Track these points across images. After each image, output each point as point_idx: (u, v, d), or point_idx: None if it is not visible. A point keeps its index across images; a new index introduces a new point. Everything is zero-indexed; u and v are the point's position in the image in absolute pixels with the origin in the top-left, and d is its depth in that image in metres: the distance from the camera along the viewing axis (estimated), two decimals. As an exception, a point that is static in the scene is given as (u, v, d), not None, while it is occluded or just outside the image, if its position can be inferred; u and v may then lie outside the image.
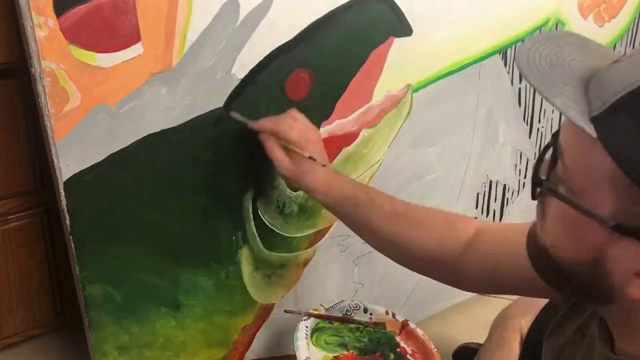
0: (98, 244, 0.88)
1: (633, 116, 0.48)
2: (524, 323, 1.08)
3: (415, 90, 1.15)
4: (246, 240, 1.03)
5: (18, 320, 1.00)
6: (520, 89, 1.33)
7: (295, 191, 1.06)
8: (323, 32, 0.98)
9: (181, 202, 0.94)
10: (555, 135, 0.57)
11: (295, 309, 1.06)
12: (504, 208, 1.44)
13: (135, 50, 0.81)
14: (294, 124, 0.92)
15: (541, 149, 0.58)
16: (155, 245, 0.94)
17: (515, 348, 1.06)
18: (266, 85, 0.95)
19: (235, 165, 0.97)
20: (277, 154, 0.91)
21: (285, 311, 1.08)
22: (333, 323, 1.08)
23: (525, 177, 1.45)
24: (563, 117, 0.56)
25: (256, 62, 0.93)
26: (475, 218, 0.89)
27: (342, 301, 1.10)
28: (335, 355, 1.02)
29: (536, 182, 0.58)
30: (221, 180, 0.97)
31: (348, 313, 1.08)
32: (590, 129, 0.49)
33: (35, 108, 0.80)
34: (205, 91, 0.90)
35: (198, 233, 0.98)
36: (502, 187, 1.41)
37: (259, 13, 0.91)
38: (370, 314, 1.10)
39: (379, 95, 1.10)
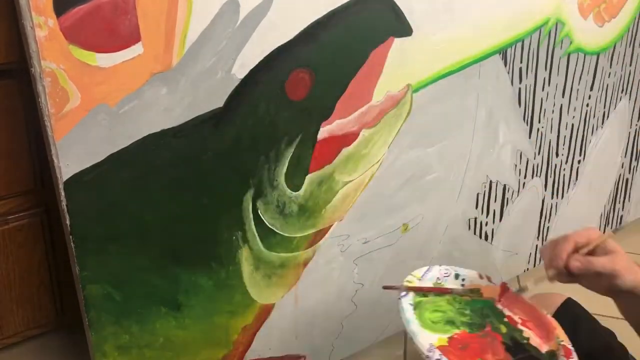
0: (98, 244, 0.88)
1: None
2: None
3: (415, 90, 1.15)
4: (246, 240, 1.03)
5: (18, 320, 1.00)
6: (520, 89, 1.33)
7: (296, 191, 1.06)
8: (323, 32, 0.98)
9: (181, 202, 0.94)
10: None
11: (393, 284, 0.94)
12: (504, 208, 1.44)
13: (135, 50, 0.81)
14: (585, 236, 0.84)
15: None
16: (155, 245, 0.94)
17: None
18: (266, 85, 0.95)
19: (235, 165, 0.97)
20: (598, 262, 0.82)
21: (384, 287, 0.97)
22: (427, 295, 0.96)
23: (525, 177, 1.45)
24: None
25: (256, 62, 0.93)
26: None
27: (429, 268, 0.98)
28: (449, 336, 0.89)
29: None
30: (221, 180, 0.97)
31: (439, 281, 0.97)
32: None
33: (35, 108, 0.80)
34: (205, 91, 0.90)
35: (198, 233, 0.98)
36: (502, 187, 1.41)
37: (259, 13, 0.91)
38: (463, 279, 0.98)
39: (379, 95, 1.10)
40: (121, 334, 0.96)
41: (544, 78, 1.37)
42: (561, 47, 1.36)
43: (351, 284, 1.23)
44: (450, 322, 0.91)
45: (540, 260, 1.55)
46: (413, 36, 1.09)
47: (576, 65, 1.43)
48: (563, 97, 1.44)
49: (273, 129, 0.99)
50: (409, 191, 1.23)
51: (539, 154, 1.45)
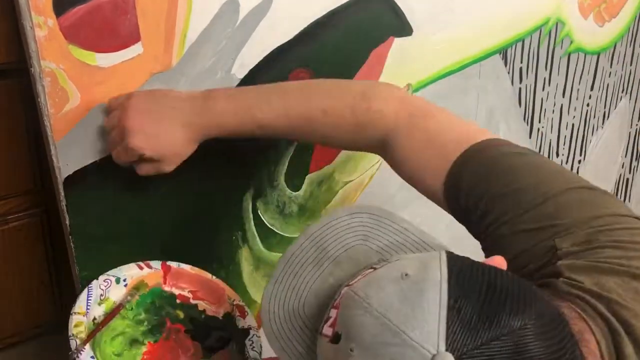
0: (98, 244, 0.88)
1: None
2: None
3: (415, 90, 1.15)
4: (246, 240, 1.03)
5: (18, 320, 1.00)
6: (520, 89, 1.33)
7: (296, 191, 1.06)
8: (323, 32, 0.98)
9: (181, 202, 0.94)
10: None
11: (74, 354, 0.76)
12: (504, 208, 1.43)
13: (135, 50, 0.81)
14: (116, 149, 0.80)
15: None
16: (155, 245, 0.94)
17: None
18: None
19: (235, 165, 0.97)
20: (147, 169, 0.82)
21: None
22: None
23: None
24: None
25: (256, 62, 0.93)
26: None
27: (89, 289, 0.83)
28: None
29: None
30: (221, 180, 0.97)
31: (103, 297, 0.83)
32: None
33: (35, 108, 0.80)
34: (205, 91, 0.89)
35: (198, 233, 0.98)
36: (502, 187, 1.41)
37: (259, 13, 0.91)
38: (124, 280, 0.86)
39: (379, 95, 1.10)
40: (121, 334, 0.96)
41: (544, 78, 1.37)
42: (561, 46, 1.36)
43: (351, 284, 1.23)
44: (134, 342, 0.83)
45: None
46: (413, 36, 1.09)
47: (576, 65, 1.43)
48: (563, 97, 1.44)
49: (273, 129, 0.99)
50: (409, 191, 1.22)
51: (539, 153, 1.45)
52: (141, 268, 0.87)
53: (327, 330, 0.56)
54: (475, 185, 0.72)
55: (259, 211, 1.03)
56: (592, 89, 1.50)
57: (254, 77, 0.93)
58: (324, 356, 0.57)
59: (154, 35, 0.82)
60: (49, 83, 0.76)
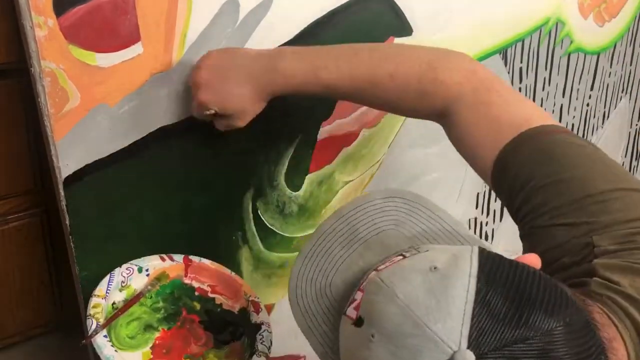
0: (98, 244, 0.88)
1: None
2: None
3: (415, 90, 1.15)
4: (246, 240, 1.03)
5: (18, 320, 1.00)
6: (520, 88, 1.33)
7: (296, 191, 1.06)
8: (323, 32, 0.98)
9: (181, 202, 0.94)
10: None
11: (88, 338, 0.82)
12: (504, 208, 1.43)
13: (135, 50, 0.81)
14: (192, 103, 0.84)
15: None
16: (155, 245, 0.94)
17: None
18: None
19: (235, 165, 0.97)
20: (219, 126, 0.86)
21: (82, 344, 0.85)
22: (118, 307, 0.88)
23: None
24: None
25: (256, 62, 0.93)
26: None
27: (112, 275, 0.87)
28: (151, 345, 0.85)
29: None
30: (221, 180, 0.97)
31: (124, 284, 0.87)
32: None
33: (35, 108, 0.80)
34: (205, 91, 0.89)
35: (198, 233, 0.98)
36: (502, 187, 1.41)
37: (259, 13, 0.91)
38: (147, 270, 0.89)
39: (379, 95, 1.10)
40: (121, 334, 0.96)
41: (544, 78, 1.37)
42: (561, 46, 1.36)
43: (351, 284, 1.23)
44: (148, 327, 0.87)
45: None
46: (413, 36, 1.09)
47: (576, 65, 1.43)
48: (563, 96, 1.44)
49: (273, 129, 0.99)
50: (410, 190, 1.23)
51: (539, 153, 1.45)
52: (163, 260, 0.91)
53: (352, 312, 0.55)
54: (522, 171, 0.71)
55: (259, 211, 1.03)
56: (592, 88, 1.50)
57: (254, 77, 0.93)
58: (345, 337, 0.57)
59: (154, 35, 0.82)
60: (49, 83, 0.76)
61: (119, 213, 0.89)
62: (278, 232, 1.07)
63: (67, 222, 0.85)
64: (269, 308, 1.12)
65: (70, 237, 0.86)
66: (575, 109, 1.48)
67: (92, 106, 0.81)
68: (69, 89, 0.78)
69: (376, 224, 0.64)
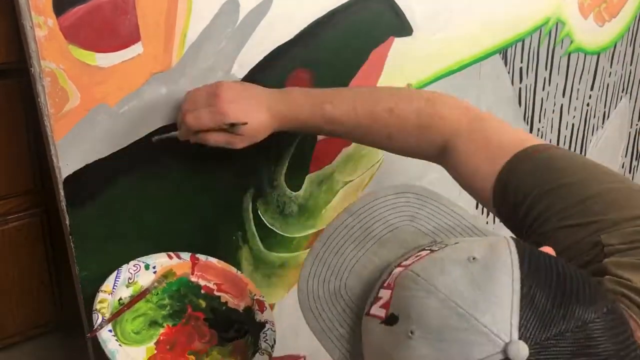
0: (98, 244, 0.88)
1: None
2: None
3: (415, 90, 1.15)
4: (246, 240, 1.03)
5: (18, 320, 1.00)
6: (520, 88, 1.33)
7: (296, 191, 1.06)
8: (323, 32, 0.98)
9: (181, 202, 0.94)
10: None
11: (93, 332, 0.82)
12: (504, 208, 1.43)
13: (135, 50, 0.81)
14: (197, 115, 0.83)
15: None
16: (155, 245, 0.94)
17: None
18: (266, 86, 0.95)
19: (235, 165, 0.97)
20: (220, 139, 0.84)
21: (87, 337, 0.89)
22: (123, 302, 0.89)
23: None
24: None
25: (256, 62, 0.93)
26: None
27: (119, 271, 0.88)
28: (156, 341, 0.86)
29: None
30: (221, 180, 0.97)
31: (131, 280, 0.88)
32: None
33: (35, 108, 0.80)
34: (205, 91, 0.89)
35: (198, 233, 0.98)
36: (502, 187, 1.40)
37: (259, 13, 0.91)
38: (154, 267, 0.91)
39: (379, 95, 1.10)
40: (121, 334, 0.96)
41: (545, 78, 1.37)
42: (561, 46, 1.36)
43: (351, 284, 1.23)
44: (154, 323, 0.88)
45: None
46: (413, 36, 1.09)
47: (576, 65, 1.43)
48: (563, 96, 1.44)
49: (273, 128, 0.99)
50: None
51: (539, 153, 1.45)
52: (170, 258, 0.92)
53: (378, 311, 0.54)
54: (523, 183, 0.72)
55: (259, 211, 1.03)
56: (592, 88, 1.50)
57: (254, 77, 0.93)
58: (375, 337, 0.55)
59: (154, 35, 0.82)
60: (49, 83, 0.76)
61: (119, 213, 0.89)
62: (278, 232, 1.07)
63: (67, 222, 0.85)
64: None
65: (70, 237, 0.86)
66: (575, 109, 1.48)
67: (92, 106, 0.81)
68: (69, 89, 0.78)
69: (389, 220, 0.63)
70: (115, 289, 0.86)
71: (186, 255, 0.93)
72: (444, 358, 0.47)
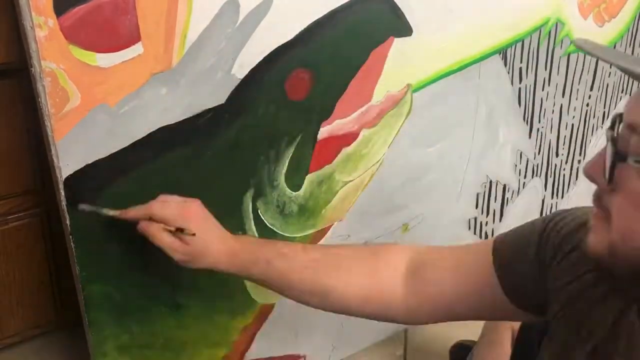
0: (98, 244, 0.88)
1: None
2: (515, 322, 1.08)
3: (415, 90, 1.15)
4: (246, 240, 1.03)
5: (18, 320, 1.00)
6: (520, 88, 1.33)
7: (296, 191, 1.06)
8: (323, 32, 0.98)
9: (181, 202, 0.94)
10: (616, 119, 0.62)
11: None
12: (504, 208, 1.44)
13: (135, 50, 0.81)
14: (166, 203, 0.83)
15: (610, 129, 0.63)
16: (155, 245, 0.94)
17: (507, 346, 1.06)
18: (266, 85, 0.95)
19: (235, 165, 0.97)
20: (165, 238, 0.82)
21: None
22: None
23: (525, 177, 1.45)
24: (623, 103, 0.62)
25: (256, 62, 0.93)
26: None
27: None
28: None
29: (619, 158, 0.58)
30: (221, 180, 0.97)
31: None
32: None
33: (35, 108, 0.80)
34: (205, 91, 0.90)
35: (198, 233, 0.97)
36: (502, 187, 1.41)
37: (259, 13, 0.91)
38: None
39: (379, 95, 1.10)
40: (121, 334, 0.96)
41: (544, 78, 1.37)
42: (561, 46, 1.36)
43: (351, 284, 1.23)
44: None
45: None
46: (413, 36, 1.09)
47: (576, 65, 1.43)
48: (563, 96, 1.44)
49: (273, 129, 0.99)
50: (409, 191, 1.23)
51: (539, 153, 1.45)
52: None
53: None
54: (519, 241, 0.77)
55: (259, 211, 1.03)
56: (591, 89, 1.50)
57: (254, 77, 0.93)
58: None
59: (154, 35, 0.82)
60: (49, 83, 0.76)
61: (119, 213, 0.89)
62: (278, 232, 1.07)
63: (67, 222, 0.85)
64: (269, 308, 1.12)
65: (70, 237, 0.86)
66: (575, 109, 1.48)
67: (93, 106, 0.81)
68: (69, 89, 0.78)
69: None
70: None
71: None
72: None
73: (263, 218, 1.04)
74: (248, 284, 1.07)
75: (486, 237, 1.43)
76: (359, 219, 1.18)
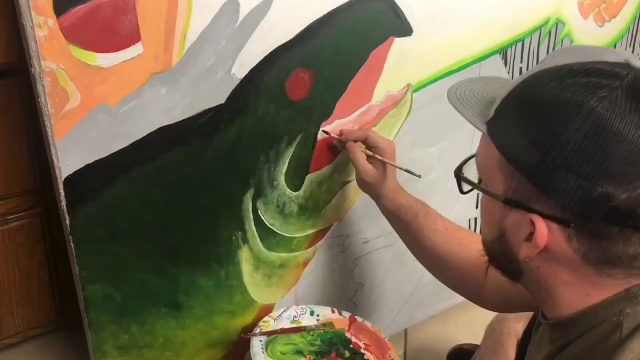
0: (98, 244, 0.88)
1: (506, 116, 0.64)
2: (520, 327, 1.08)
3: (415, 90, 1.15)
4: (246, 240, 1.03)
5: (18, 320, 1.00)
6: (520, 89, 1.33)
7: (296, 191, 1.06)
8: (323, 32, 0.98)
9: (181, 202, 0.94)
10: None
11: (247, 334, 1.05)
12: (504, 208, 1.43)
13: (135, 50, 0.81)
14: (377, 134, 1.03)
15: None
16: (155, 245, 0.94)
17: (510, 352, 1.06)
18: (266, 85, 0.95)
19: (235, 165, 0.97)
20: (362, 161, 1.02)
21: (241, 336, 1.08)
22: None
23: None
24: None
25: (256, 62, 0.93)
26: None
27: (287, 308, 1.10)
28: None
29: (456, 175, 0.76)
30: (221, 180, 0.97)
31: (296, 319, 1.10)
32: (485, 130, 0.67)
33: (35, 108, 0.80)
34: (205, 91, 0.90)
35: (198, 233, 0.98)
36: (502, 187, 1.40)
37: (259, 13, 0.91)
38: (317, 315, 1.12)
39: (379, 95, 1.10)
40: (121, 334, 0.96)
41: (544, 78, 1.37)
42: (561, 46, 1.36)
43: (351, 284, 1.23)
44: (299, 352, 1.04)
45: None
46: (413, 36, 1.09)
47: (576, 65, 1.43)
48: (563, 97, 1.44)
49: (273, 128, 0.99)
50: (409, 191, 1.23)
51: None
52: (333, 312, 1.14)
53: None
54: None
55: (259, 211, 1.03)
56: (592, 89, 1.50)
57: (254, 77, 0.93)
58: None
59: (154, 35, 0.82)
60: (49, 83, 0.76)
61: (119, 213, 0.89)
62: (278, 232, 1.07)
63: (67, 222, 0.85)
64: (269, 308, 1.12)
65: (70, 237, 0.86)
66: (575, 109, 1.48)
67: (92, 106, 0.81)
68: (69, 89, 0.78)
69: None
70: (279, 318, 1.08)
71: (346, 314, 1.14)
72: (582, 58, 0.61)
73: (263, 218, 1.04)
74: (248, 284, 1.07)
75: (486, 237, 1.42)
76: (359, 219, 1.18)
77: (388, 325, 1.32)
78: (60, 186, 0.82)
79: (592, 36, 1.42)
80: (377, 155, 1.02)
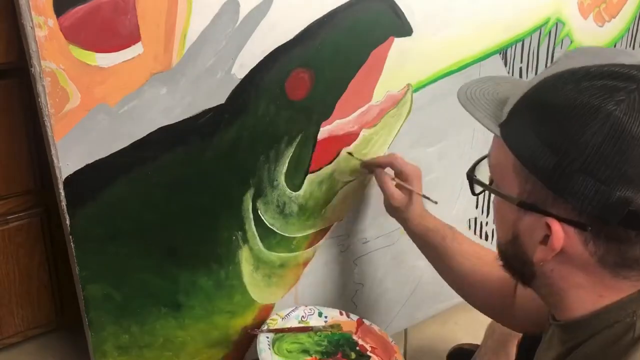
0: (98, 244, 0.88)
1: (521, 118, 0.64)
2: None
3: (415, 90, 1.15)
4: (246, 240, 1.03)
5: (18, 320, 1.00)
6: (520, 89, 1.33)
7: (296, 191, 1.06)
8: (323, 32, 0.98)
9: (181, 202, 0.94)
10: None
11: (255, 330, 1.06)
12: (504, 208, 1.43)
13: (135, 50, 0.81)
14: (404, 161, 1.05)
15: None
16: (155, 245, 0.94)
17: (511, 352, 1.07)
18: (266, 85, 0.95)
19: (235, 165, 0.97)
20: (391, 187, 1.04)
21: (248, 332, 1.08)
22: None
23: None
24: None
25: (256, 62, 0.93)
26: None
27: (296, 308, 1.11)
28: None
29: (469, 177, 0.76)
30: (221, 180, 0.97)
31: (304, 319, 1.11)
32: (498, 132, 0.66)
33: (35, 108, 0.80)
34: (205, 91, 0.90)
35: (198, 233, 0.98)
36: (502, 187, 1.40)
37: (259, 13, 0.91)
38: (325, 317, 1.13)
39: (379, 95, 1.10)
40: (121, 334, 0.96)
41: (544, 78, 1.37)
42: (561, 47, 1.36)
43: (351, 284, 1.23)
44: (305, 352, 1.05)
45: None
46: (413, 36, 1.09)
47: (576, 65, 1.43)
48: (563, 97, 1.44)
49: (273, 129, 0.99)
50: (409, 191, 1.23)
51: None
52: (341, 314, 1.15)
53: None
54: None
55: (259, 211, 1.03)
56: (592, 89, 1.50)
57: (254, 77, 0.93)
58: None
59: (154, 35, 0.82)
60: (49, 83, 0.76)
61: (119, 213, 0.89)
62: (278, 232, 1.07)
63: (67, 222, 0.85)
64: (269, 308, 1.12)
65: (70, 237, 0.86)
66: (575, 109, 1.48)
67: (92, 106, 0.81)
68: (69, 89, 0.78)
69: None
70: (287, 317, 1.09)
71: (354, 317, 1.15)
72: (597, 60, 0.61)
73: (263, 218, 1.04)
74: (248, 284, 1.07)
75: (486, 237, 1.42)
76: (359, 219, 1.18)
77: (388, 325, 1.32)
78: (61, 186, 0.82)
79: (592, 36, 1.42)
80: (402, 183, 1.05)
